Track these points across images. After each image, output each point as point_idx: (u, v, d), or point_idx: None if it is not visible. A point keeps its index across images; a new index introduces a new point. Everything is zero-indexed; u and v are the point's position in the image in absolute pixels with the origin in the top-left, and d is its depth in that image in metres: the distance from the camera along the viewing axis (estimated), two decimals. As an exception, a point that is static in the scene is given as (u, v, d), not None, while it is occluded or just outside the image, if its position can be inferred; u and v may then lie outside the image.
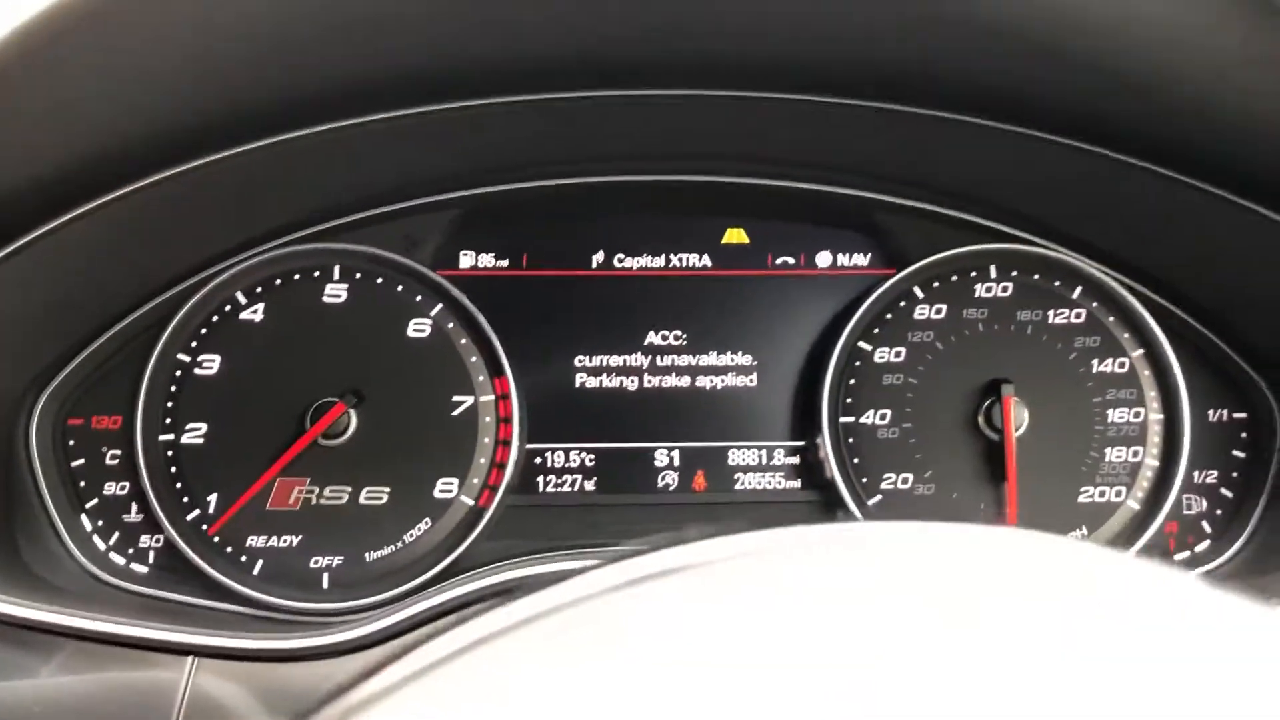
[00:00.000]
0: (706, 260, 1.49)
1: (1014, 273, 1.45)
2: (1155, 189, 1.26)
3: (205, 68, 1.06)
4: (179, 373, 1.37)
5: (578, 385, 1.45)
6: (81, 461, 1.35)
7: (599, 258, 1.48)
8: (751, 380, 1.46)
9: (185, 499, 1.35)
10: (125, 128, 1.11)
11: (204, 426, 1.36)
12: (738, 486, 1.46)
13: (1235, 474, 1.44)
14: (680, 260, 1.49)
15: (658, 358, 1.47)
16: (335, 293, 1.40)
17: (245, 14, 0.98)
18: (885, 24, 1.11)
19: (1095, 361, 1.43)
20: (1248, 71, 1.03)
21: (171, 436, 1.36)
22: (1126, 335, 1.43)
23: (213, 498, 1.35)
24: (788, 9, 1.10)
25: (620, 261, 1.48)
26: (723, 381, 1.46)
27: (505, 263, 1.47)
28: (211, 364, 1.37)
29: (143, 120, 1.11)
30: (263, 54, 1.07)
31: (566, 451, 1.45)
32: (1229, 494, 1.44)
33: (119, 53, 0.97)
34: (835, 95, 1.29)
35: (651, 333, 1.47)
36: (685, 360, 1.47)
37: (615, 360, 1.47)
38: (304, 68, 1.12)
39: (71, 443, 1.35)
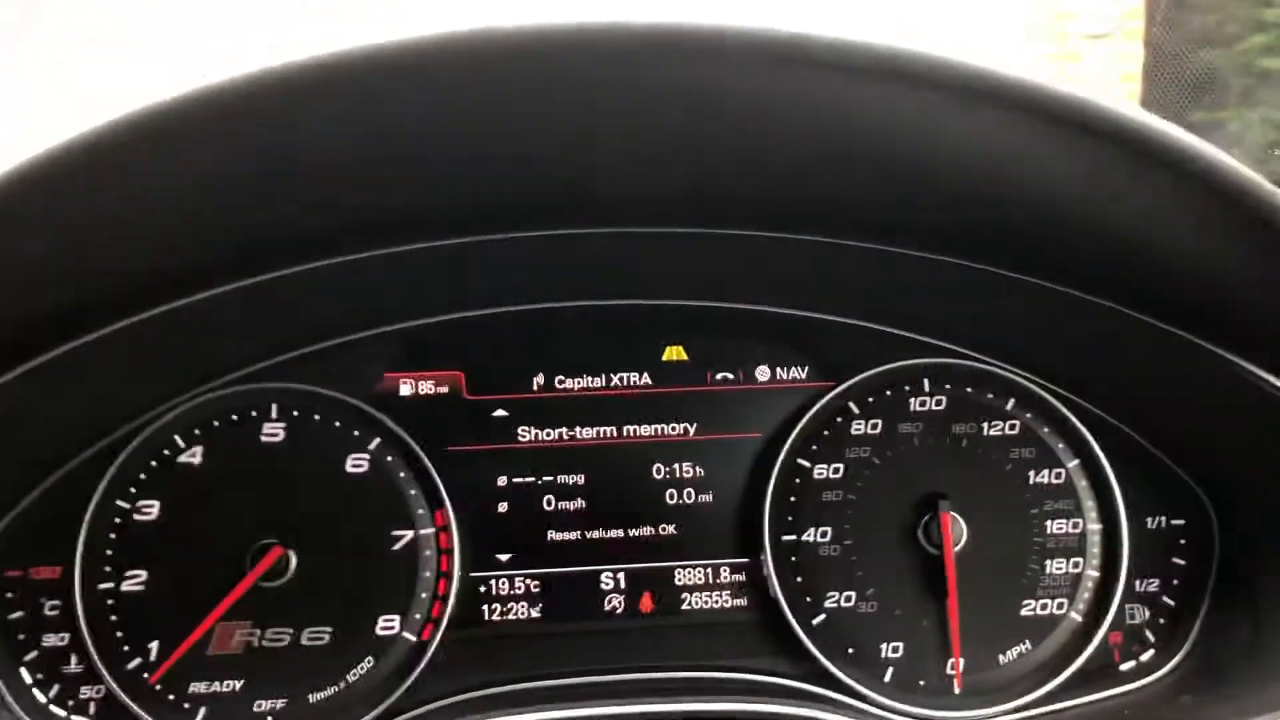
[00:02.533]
0: (647, 378, 1.50)
1: (947, 386, 1.46)
2: (1081, 312, 1.28)
3: (143, 229, 1.08)
4: (118, 519, 1.37)
5: (521, 509, 1.45)
6: (20, 614, 1.35)
7: (539, 380, 1.49)
8: (696, 497, 1.47)
9: (126, 648, 1.35)
10: (66, 288, 1.12)
11: (144, 573, 1.36)
12: (684, 606, 1.46)
13: (1176, 581, 1.44)
14: (621, 379, 1.50)
15: (601, 478, 1.47)
16: (273, 432, 1.41)
17: (181, 181, 1.00)
18: (810, 165, 1.12)
19: (1031, 473, 1.43)
20: (1156, 218, 1.06)
21: (111, 585, 1.36)
22: (1061, 445, 1.44)
23: (154, 645, 1.35)
24: (708, 155, 1.12)
25: (561, 383, 1.49)
26: (669, 500, 1.46)
27: (445, 389, 1.48)
28: (151, 510, 1.38)
29: (83, 280, 1.12)
30: (202, 214, 1.09)
31: (511, 578, 1.45)
32: (1171, 601, 1.44)
33: (58, 222, 0.98)
34: (768, 230, 1.31)
35: (595, 454, 1.47)
36: (629, 479, 1.47)
37: (559, 482, 1.46)
38: (246, 221, 1.14)
39: (9, 595, 1.35)
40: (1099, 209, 1.08)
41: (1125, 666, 1.43)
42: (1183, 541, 1.45)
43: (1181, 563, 1.45)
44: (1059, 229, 1.16)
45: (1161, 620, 1.44)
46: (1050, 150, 1.00)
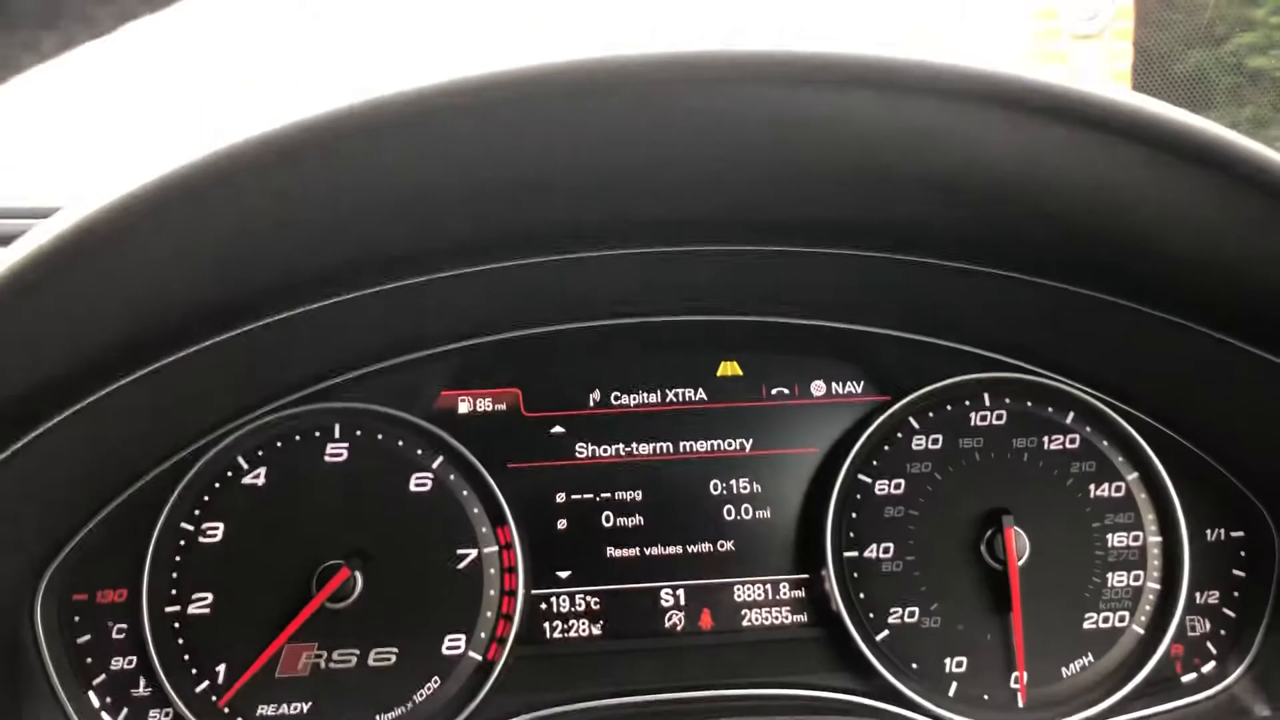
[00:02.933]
0: (702, 394, 1.51)
1: (1007, 400, 1.47)
2: (1139, 325, 1.28)
3: (209, 261, 1.08)
4: (183, 542, 1.37)
5: (580, 526, 1.46)
6: (88, 638, 1.35)
7: (595, 396, 1.50)
8: (753, 513, 1.47)
9: (194, 670, 1.35)
10: (137, 318, 1.13)
11: (210, 596, 1.36)
12: (744, 623, 1.46)
13: (1236, 593, 1.45)
14: (676, 395, 1.51)
15: (658, 495, 1.47)
16: (336, 452, 1.41)
17: (254, 211, 1.00)
18: (858, 181, 1.13)
19: (1092, 486, 1.44)
20: (1213, 226, 1.06)
21: (178, 608, 1.36)
22: (1121, 459, 1.45)
23: (221, 668, 1.35)
24: (763, 174, 1.12)
25: (617, 399, 1.50)
26: (726, 515, 1.47)
27: (503, 406, 1.48)
28: (215, 531, 1.38)
29: (152, 310, 1.13)
30: (273, 243, 1.09)
31: (572, 596, 1.45)
32: (1231, 614, 1.45)
33: (136, 255, 0.99)
34: (822, 245, 1.32)
35: (652, 470, 1.48)
36: (687, 495, 1.47)
37: (617, 499, 1.47)
38: (314, 250, 1.15)
39: (77, 619, 1.35)
40: (1158, 219, 1.09)
41: (1187, 678, 1.44)
42: (1243, 553, 1.46)
43: (1242, 574, 1.46)
44: (1117, 242, 1.17)
45: (1223, 632, 1.45)
46: (1114, 164, 1.01)
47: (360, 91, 0.93)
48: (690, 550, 1.47)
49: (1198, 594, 1.44)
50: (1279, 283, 1.14)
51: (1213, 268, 1.16)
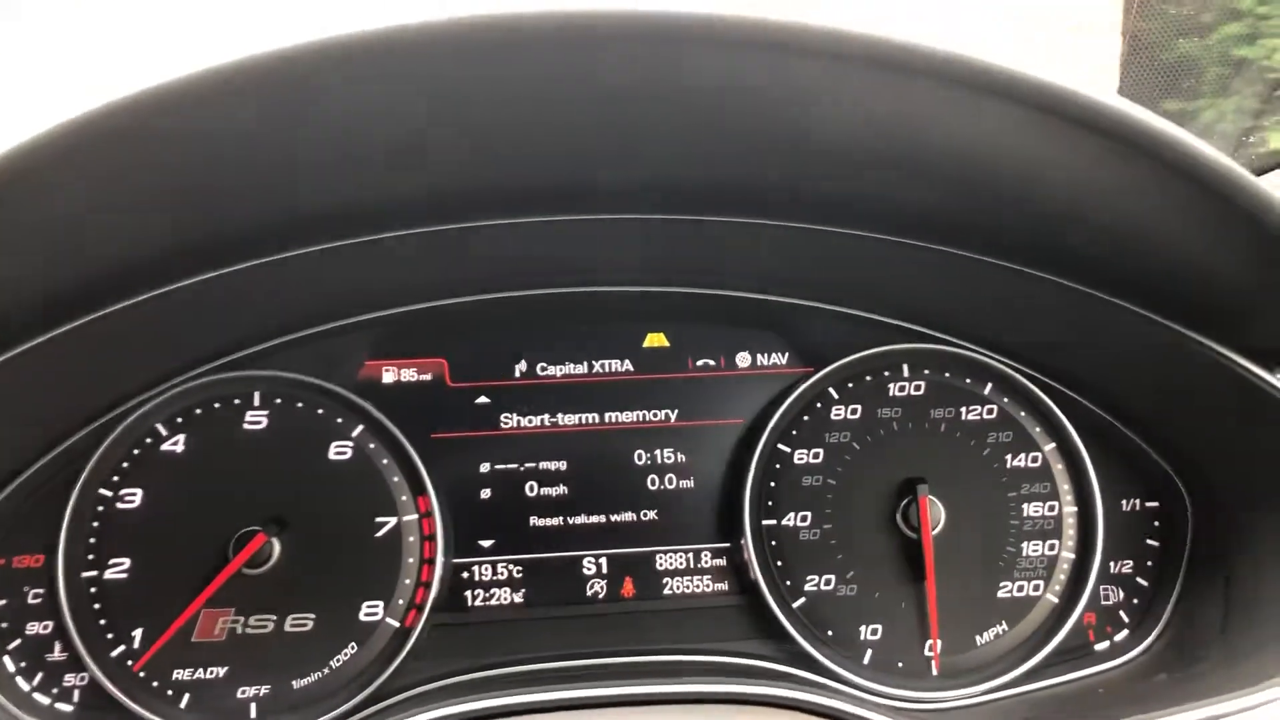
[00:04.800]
0: (628, 365, 1.51)
1: (926, 371, 1.48)
2: (1058, 298, 1.29)
3: (137, 216, 1.08)
4: (101, 508, 1.37)
5: (504, 495, 1.46)
6: (3, 602, 1.36)
7: (521, 367, 1.50)
8: (677, 483, 1.48)
9: (109, 635, 1.35)
10: (53, 275, 1.13)
11: (127, 561, 1.36)
12: (665, 592, 1.47)
13: (1150, 563, 1.46)
14: (603, 366, 1.51)
15: (583, 465, 1.48)
16: (255, 419, 1.42)
17: (163, 168, 1.00)
18: (792, 152, 1.14)
19: (1009, 457, 1.45)
20: (1133, 206, 1.07)
21: (94, 573, 1.36)
22: (1038, 429, 1.46)
23: (137, 633, 1.35)
24: (706, 149, 1.13)
25: (543, 370, 1.50)
26: (650, 485, 1.48)
27: (428, 376, 1.48)
28: (134, 498, 1.38)
29: (69, 267, 1.13)
30: (183, 202, 1.09)
31: (494, 564, 1.46)
32: (1144, 583, 1.46)
33: (48, 206, 0.99)
34: (748, 216, 1.32)
35: (577, 440, 1.48)
36: (611, 466, 1.48)
37: (541, 468, 1.47)
38: (226, 210, 1.14)
39: (-7, 584, 1.35)
40: (1080, 196, 1.10)
41: (1100, 646, 1.45)
42: (1156, 523, 1.47)
43: (1155, 544, 1.47)
44: (1040, 217, 1.17)
45: (1135, 601, 1.46)
46: (1035, 140, 1.01)
47: (260, 45, 0.93)
48: (613, 519, 1.48)
49: (1112, 563, 1.45)
50: (1187, 254, 1.15)
51: (1125, 239, 1.17)
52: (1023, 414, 1.47)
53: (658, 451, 1.49)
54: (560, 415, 1.49)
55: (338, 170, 1.11)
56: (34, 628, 1.36)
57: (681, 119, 1.05)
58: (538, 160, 1.17)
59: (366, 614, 1.39)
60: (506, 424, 1.48)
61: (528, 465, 1.48)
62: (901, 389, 1.47)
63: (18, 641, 1.35)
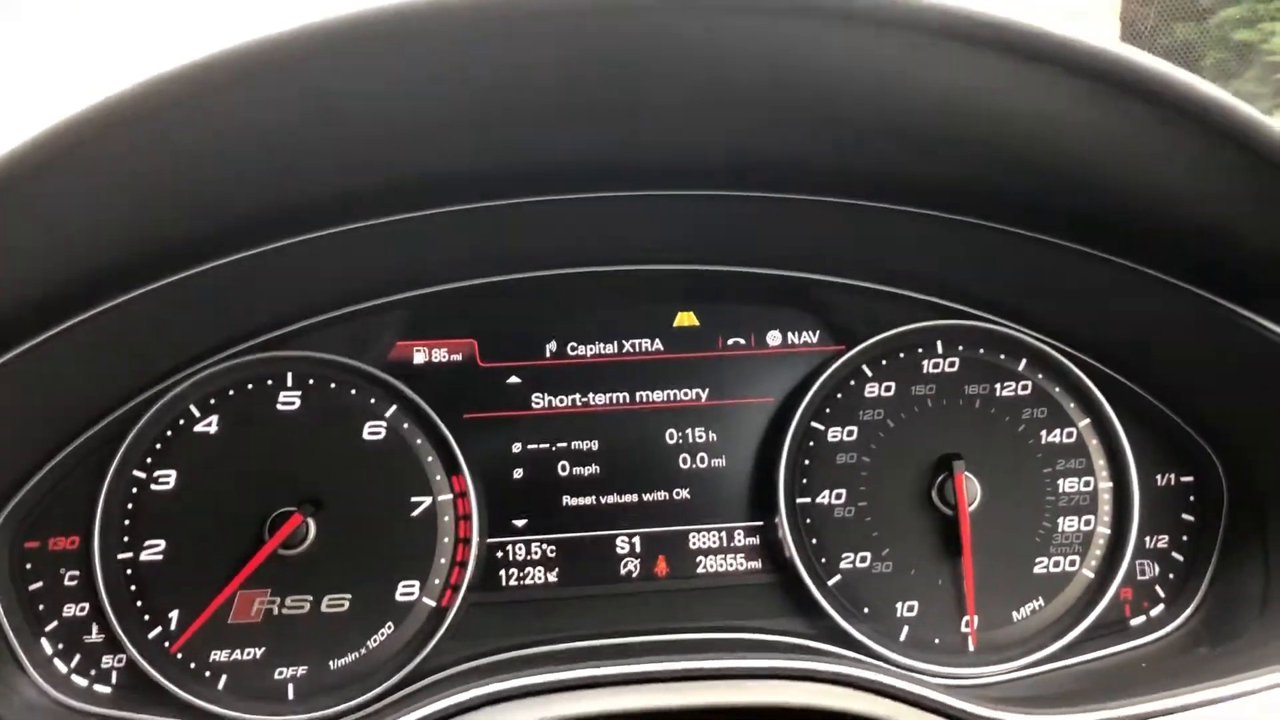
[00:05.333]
0: (658, 344, 1.51)
1: (960, 348, 1.47)
2: (1090, 270, 1.29)
3: (166, 198, 1.08)
4: (135, 490, 1.37)
5: (536, 475, 1.46)
6: (39, 585, 1.35)
7: (552, 347, 1.50)
8: (709, 462, 1.47)
9: (146, 617, 1.35)
10: (91, 257, 1.13)
11: (162, 543, 1.36)
12: (699, 570, 1.47)
13: (1186, 537, 1.46)
14: (633, 345, 1.51)
15: (614, 444, 1.47)
16: (289, 400, 1.41)
17: (195, 147, 0.99)
18: (825, 124, 1.13)
19: (1044, 432, 1.45)
20: (1165, 168, 1.06)
21: (130, 555, 1.36)
22: (1073, 405, 1.46)
23: (174, 614, 1.35)
24: (728, 120, 1.12)
25: (574, 350, 1.50)
26: (682, 464, 1.47)
27: (459, 357, 1.48)
28: (168, 479, 1.37)
29: (102, 248, 1.12)
30: (217, 182, 1.09)
31: (528, 544, 1.46)
32: (1180, 557, 1.46)
33: (84, 189, 0.99)
34: (778, 192, 1.31)
35: (608, 420, 1.48)
36: (643, 445, 1.48)
37: (573, 448, 1.47)
38: (261, 190, 1.14)
39: (29, 566, 1.35)
40: (1108, 161, 1.09)
41: (1136, 622, 1.45)
42: (1192, 498, 1.47)
43: (1191, 519, 1.47)
44: (1070, 185, 1.16)
45: (1171, 576, 1.46)
46: (1063, 103, 1.00)
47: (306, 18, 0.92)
48: (645, 499, 1.48)
49: (1147, 538, 1.45)
50: (1225, 227, 1.14)
51: (1163, 212, 1.16)
52: (1057, 389, 1.46)
53: (689, 430, 1.49)
54: (591, 395, 1.49)
55: (370, 150, 1.11)
56: (71, 610, 1.36)
57: (728, 93, 1.04)
58: (570, 138, 1.16)
59: (403, 594, 1.38)
60: (538, 404, 1.48)
61: (559, 445, 1.47)
62: (935, 366, 1.47)
63: (55, 624, 1.35)
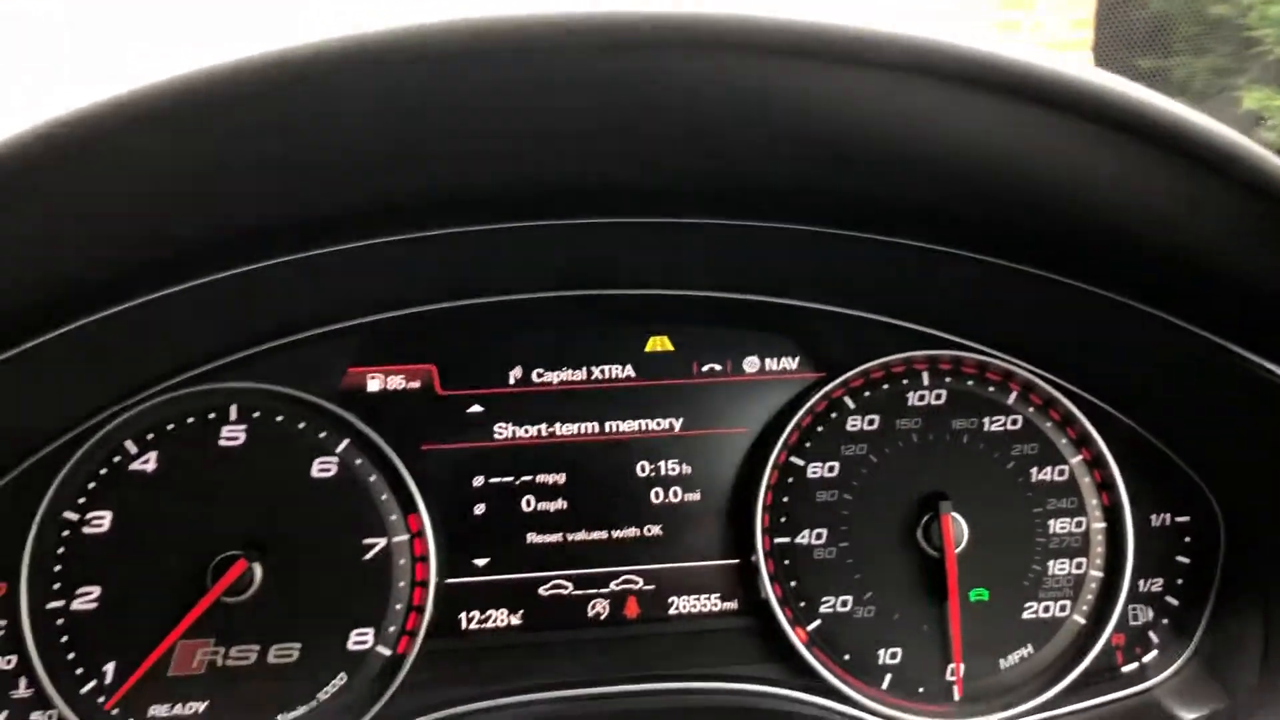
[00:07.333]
0: (630, 370, 1.43)
1: (947, 379, 1.40)
2: (1085, 304, 1.22)
3: (104, 228, 0.99)
4: (66, 532, 1.28)
5: (499, 511, 1.38)
6: (-37, 635, 1.26)
7: (517, 373, 1.41)
8: (682, 496, 1.40)
9: (79, 670, 1.26)
10: (15, 288, 1.03)
11: (96, 590, 1.27)
12: (671, 612, 1.39)
13: (1180, 580, 1.40)
14: (603, 372, 1.42)
15: (582, 477, 1.40)
16: (233, 434, 1.32)
17: (136, 177, 0.91)
18: (802, 153, 1.05)
19: (1034, 470, 1.38)
20: (1158, 205, 0.99)
21: (61, 603, 1.27)
22: (1064, 441, 1.39)
23: (109, 667, 1.26)
24: (697, 145, 1.04)
25: (540, 376, 1.41)
26: (654, 499, 1.39)
27: (417, 384, 1.39)
28: (101, 521, 1.28)
29: (32, 280, 1.03)
30: (154, 210, 1.00)
31: (489, 585, 1.38)
32: (1174, 601, 1.40)
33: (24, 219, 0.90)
34: (757, 218, 1.24)
35: (576, 451, 1.40)
36: (612, 478, 1.40)
37: (538, 482, 1.39)
38: (205, 217, 1.05)
39: (-49, 616, 1.25)
40: (1100, 197, 1.02)
41: (1127, 669, 1.39)
42: (1187, 539, 1.40)
43: (1186, 561, 1.40)
44: (1062, 219, 1.10)
45: (1165, 621, 1.40)
46: (1053, 138, 0.93)
47: (243, 50, 0.84)
48: (615, 535, 1.39)
49: (1141, 581, 1.39)
50: (1229, 262, 1.07)
51: (1160, 247, 1.09)
52: (1048, 425, 1.39)
53: (661, 463, 1.41)
54: (558, 425, 1.40)
55: (327, 176, 1.02)
56: (-4, 662, 1.26)
57: (716, 124, 0.97)
58: (558, 162, 1.08)
59: (356, 642, 1.30)
60: (501, 434, 1.39)
61: (524, 478, 1.39)
62: (921, 398, 1.39)
63: (-21, 678, 1.26)
